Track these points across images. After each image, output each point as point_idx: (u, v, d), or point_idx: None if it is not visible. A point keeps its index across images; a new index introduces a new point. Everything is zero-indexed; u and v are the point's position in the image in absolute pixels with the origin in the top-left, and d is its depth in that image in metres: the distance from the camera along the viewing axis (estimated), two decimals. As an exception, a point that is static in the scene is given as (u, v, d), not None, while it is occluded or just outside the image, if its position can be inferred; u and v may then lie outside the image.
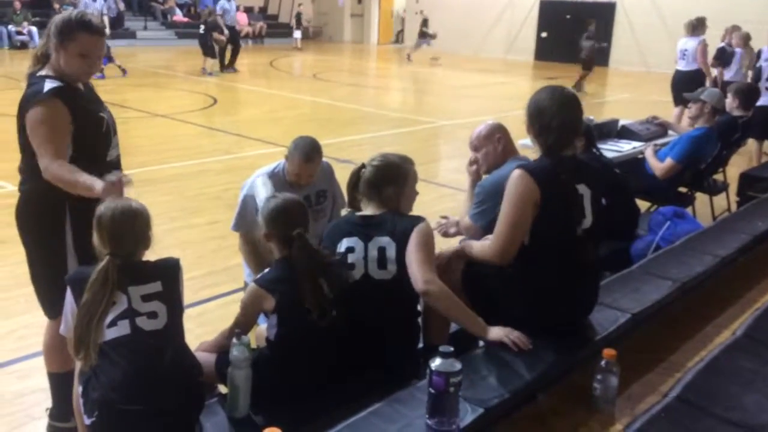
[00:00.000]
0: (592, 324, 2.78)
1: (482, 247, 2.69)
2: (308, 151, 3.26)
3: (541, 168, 2.56)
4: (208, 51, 14.89)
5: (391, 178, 2.66)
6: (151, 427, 2.09)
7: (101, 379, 2.08)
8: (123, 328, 2.10)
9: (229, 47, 15.68)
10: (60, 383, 2.80)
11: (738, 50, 9.45)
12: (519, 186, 2.51)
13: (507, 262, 2.59)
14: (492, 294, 2.68)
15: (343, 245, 2.55)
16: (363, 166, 2.72)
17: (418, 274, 2.42)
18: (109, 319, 2.10)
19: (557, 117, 2.55)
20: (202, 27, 15.03)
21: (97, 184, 2.42)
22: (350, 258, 2.53)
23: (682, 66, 9.69)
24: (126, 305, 2.12)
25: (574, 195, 2.55)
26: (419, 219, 2.59)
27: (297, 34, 22.42)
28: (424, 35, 20.66)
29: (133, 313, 2.12)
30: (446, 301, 2.44)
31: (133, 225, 2.19)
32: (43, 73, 2.62)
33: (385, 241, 2.53)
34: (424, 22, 20.89)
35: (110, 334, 2.09)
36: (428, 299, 2.45)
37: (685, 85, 8.45)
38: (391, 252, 2.51)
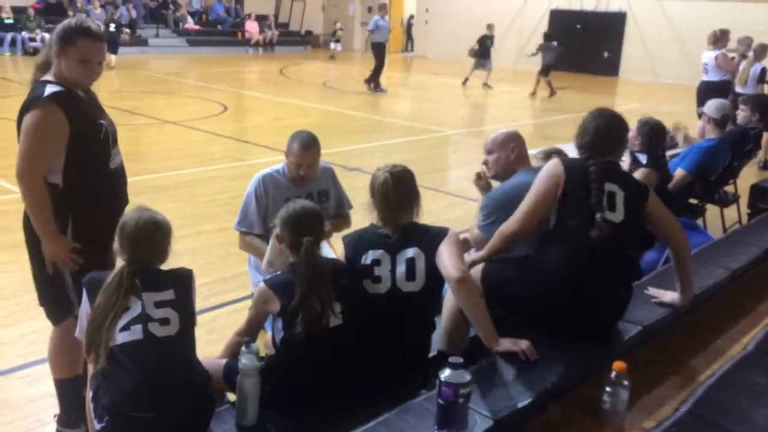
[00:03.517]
0: (603, 336, 2.76)
1: (499, 230, 2.72)
2: (305, 138, 3.41)
3: (574, 159, 2.77)
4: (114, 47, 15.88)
5: (417, 189, 2.67)
6: (160, 435, 2.10)
7: (112, 385, 2.09)
8: (135, 333, 2.12)
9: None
10: (66, 390, 2.81)
11: (743, 61, 9.32)
12: (548, 168, 2.70)
13: (520, 238, 2.66)
14: (505, 282, 2.72)
15: (369, 257, 2.55)
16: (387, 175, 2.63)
17: (452, 263, 2.45)
18: (122, 322, 2.12)
19: (593, 124, 2.79)
20: (113, 25, 16.34)
21: (52, 236, 2.53)
22: (377, 271, 2.53)
23: (705, 77, 9.65)
24: (140, 310, 2.15)
25: (599, 188, 2.62)
26: (446, 228, 2.63)
27: (336, 46, 23.20)
28: (485, 54, 16.09)
29: (146, 318, 2.14)
30: (475, 294, 2.47)
31: (153, 235, 2.24)
32: (45, 78, 2.63)
33: (413, 252, 2.53)
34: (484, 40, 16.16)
35: (123, 338, 2.12)
36: (462, 287, 2.42)
37: (706, 95, 8.40)
38: (421, 263, 2.52)
